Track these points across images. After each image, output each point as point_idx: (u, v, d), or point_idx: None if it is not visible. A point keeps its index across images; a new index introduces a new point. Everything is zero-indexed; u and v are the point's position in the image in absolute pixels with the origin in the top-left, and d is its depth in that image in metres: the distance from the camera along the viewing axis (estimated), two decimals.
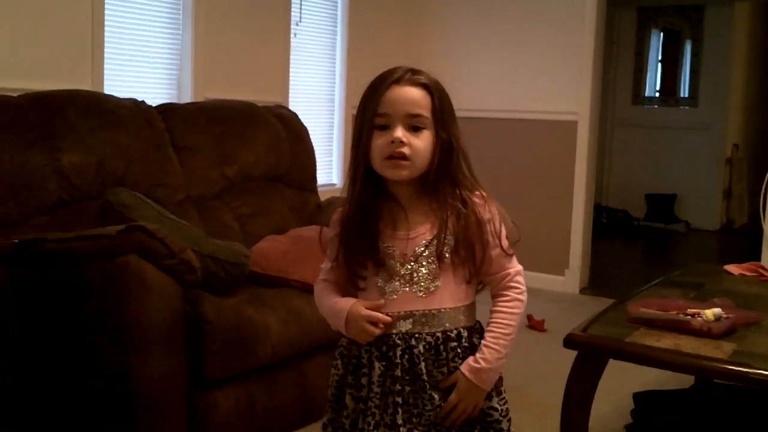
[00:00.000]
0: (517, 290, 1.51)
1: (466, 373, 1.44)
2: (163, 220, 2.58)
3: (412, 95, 1.42)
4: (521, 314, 1.52)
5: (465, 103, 5.13)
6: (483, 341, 1.47)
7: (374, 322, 1.44)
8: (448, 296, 1.46)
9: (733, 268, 2.88)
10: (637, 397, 2.58)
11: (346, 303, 1.47)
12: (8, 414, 2.56)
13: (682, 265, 5.70)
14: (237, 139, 3.56)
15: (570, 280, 5.01)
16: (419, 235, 1.45)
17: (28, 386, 2.56)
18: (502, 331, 1.47)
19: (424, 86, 1.43)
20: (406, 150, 1.40)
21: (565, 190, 5.00)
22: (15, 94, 2.86)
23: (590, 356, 1.96)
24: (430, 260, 1.44)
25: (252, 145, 3.61)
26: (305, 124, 3.95)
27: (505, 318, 1.48)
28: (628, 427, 2.50)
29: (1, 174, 2.66)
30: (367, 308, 1.44)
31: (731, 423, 2.37)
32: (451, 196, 1.45)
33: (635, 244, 7.41)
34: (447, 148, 1.45)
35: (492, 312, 1.51)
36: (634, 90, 8.46)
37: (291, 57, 4.58)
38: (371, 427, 1.43)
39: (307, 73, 4.77)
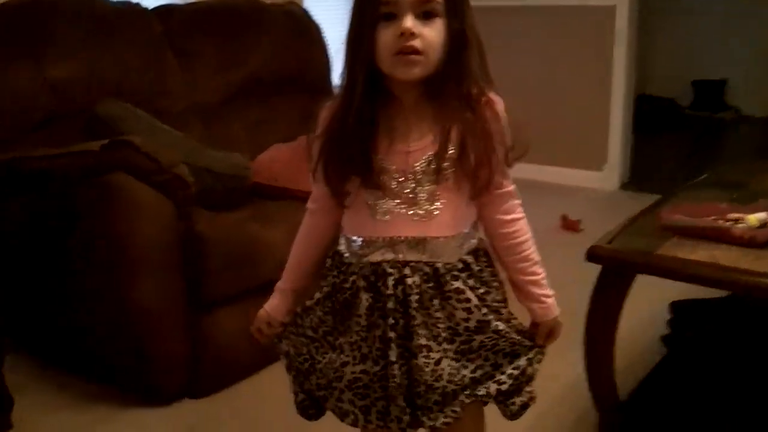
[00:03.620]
0: (520, 209, 1.33)
1: (545, 319, 1.34)
2: (155, 132, 2.41)
3: None
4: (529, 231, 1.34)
5: None
6: (525, 279, 1.34)
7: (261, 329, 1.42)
8: (449, 220, 1.26)
9: None
10: (675, 306, 2.38)
11: (274, 300, 1.42)
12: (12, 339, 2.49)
13: (731, 158, 5.43)
14: (242, 42, 3.33)
15: (609, 175, 4.75)
16: (419, 149, 1.23)
17: (28, 314, 2.47)
18: (534, 258, 1.34)
19: None
20: (417, 43, 1.16)
21: (603, 79, 4.68)
22: None
23: (615, 271, 1.76)
24: (430, 178, 1.23)
25: (259, 48, 3.38)
26: (319, 22, 3.68)
27: (528, 246, 1.34)
28: (665, 338, 2.32)
29: None
30: (273, 323, 1.40)
31: None
32: (458, 99, 1.22)
33: (681, 134, 7.04)
34: (460, 39, 1.21)
35: (507, 242, 1.32)
36: None
37: None
38: (356, 361, 1.27)
39: None
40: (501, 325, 1.28)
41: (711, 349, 2.15)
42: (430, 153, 1.22)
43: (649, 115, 7.22)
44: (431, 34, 1.18)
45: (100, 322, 2.27)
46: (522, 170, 4.78)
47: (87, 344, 2.36)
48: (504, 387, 1.30)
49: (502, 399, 1.32)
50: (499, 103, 1.26)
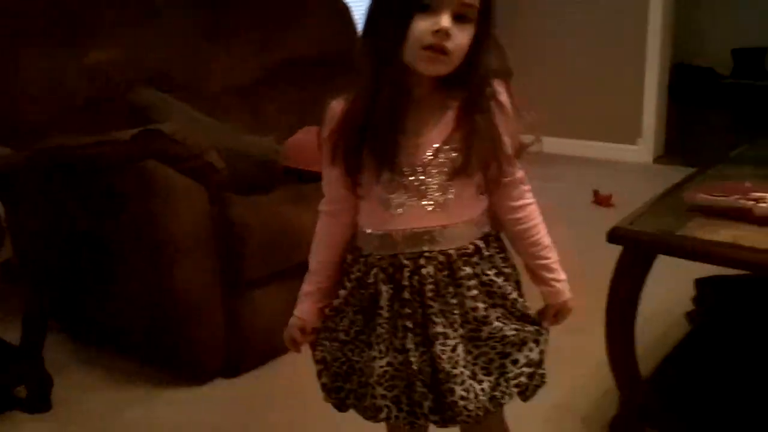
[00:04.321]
0: (529, 195, 1.36)
1: (554, 301, 1.38)
2: (187, 119, 2.47)
3: None
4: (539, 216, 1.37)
5: None
6: (537, 263, 1.37)
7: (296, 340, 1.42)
8: (460, 209, 1.28)
9: None
10: (700, 282, 2.39)
11: (304, 305, 1.41)
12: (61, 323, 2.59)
13: None
14: (280, 25, 3.38)
15: (643, 148, 4.73)
16: (429, 140, 1.25)
17: (71, 297, 2.57)
18: (544, 242, 1.37)
19: None
20: (449, 44, 1.18)
21: (637, 48, 4.62)
22: None
23: (637, 253, 1.78)
24: (440, 169, 1.25)
25: (297, 31, 3.44)
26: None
27: (538, 230, 1.36)
28: (689, 314, 2.33)
29: (30, 76, 2.59)
30: (307, 328, 1.40)
31: None
32: (473, 93, 1.25)
33: (719, 105, 6.93)
34: (483, 44, 1.23)
35: (517, 227, 1.35)
36: None
37: None
38: (382, 355, 1.30)
39: None
40: (499, 324, 1.31)
41: (734, 325, 2.16)
42: (436, 145, 1.24)
43: (688, 85, 7.12)
44: (462, 38, 1.19)
45: (139, 304, 2.35)
46: (555, 145, 4.84)
47: (127, 325, 2.45)
48: (522, 385, 1.34)
49: (521, 391, 1.36)
50: (503, 93, 1.27)
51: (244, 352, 2.40)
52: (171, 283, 2.23)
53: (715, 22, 7.61)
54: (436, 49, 1.18)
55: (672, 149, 4.85)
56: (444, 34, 1.17)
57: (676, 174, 2.43)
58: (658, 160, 4.73)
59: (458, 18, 1.18)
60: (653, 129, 4.71)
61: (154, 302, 2.30)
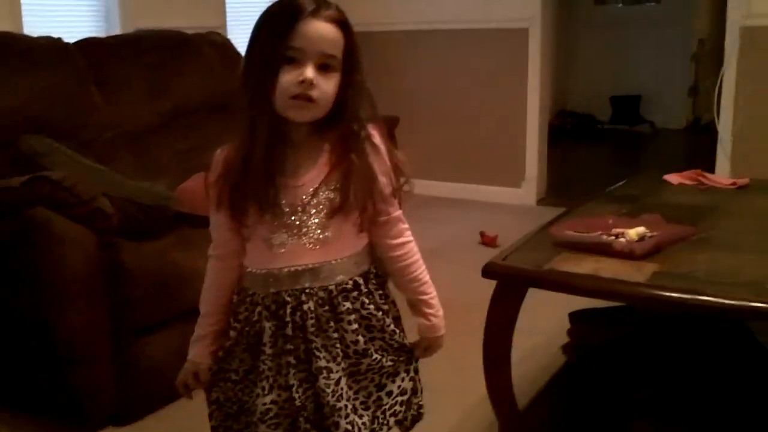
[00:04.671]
0: (408, 233, 1.45)
1: (428, 335, 1.46)
2: (76, 167, 2.48)
3: (329, 33, 1.29)
4: (418, 252, 1.46)
5: (418, 15, 5.01)
6: (416, 298, 1.46)
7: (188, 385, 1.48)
8: (340, 246, 1.37)
9: (672, 178, 2.81)
10: (573, 315, 2.54)
11: (197, 349, 1.47)
12: None
13: (646, 169, 5.67)
14: (167, 71, 3.42)
15: (527, 191, 4.96)
16: (307, 182, 1.34)
17: None
18: (422, 278, 1.46)
19: (340, 24, 1.30)
20: (314, 92, 1.28)
21: (519, 99, 4.89)
22: None
23: (509, 286, 1.91)
24: (318, 209, 1.34)
25: (184, 76, 3.48)
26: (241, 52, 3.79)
27: (417, 267, 1.45)
28: (565, 347, 2.48)
29: None
30: (201, 373, 1.46)
31: (671, 339, 2.34)
32: (342, 138, 1.34)
33: (600, 148, 7.34)
34: (350, 89, 1.33)
35: (397, 264, 1.44)
36: None
37: None
38: (266, 392, 1.35)
39: None
40: (378, 355, 1.39)
41: (607, 355, 2.31)
42: (315, 186, 1.33)
43: (571, 129, 7.51)
44: (327, 86, 1.29)
45: (26, 352, 2.32)
46: (444, 188, 5.06)
47: (13, 374, 2.41)
48: (399, 415, 1.43)
49: (398, 421, 1.44)
50: (376, 136, 1.37)
51: (135, 398, 2.39)
52: (58, 330, 2.22)
53: (596, 73, 8.06)
54: (303, 97, 1.27)
55: (554, 191, 5.11)
56: (309, 84, 1.27)
57: (556, 213, 2.59)
58: (541, 201, 4.96)
59: (322, 67, 1.29)
60: (535, 173, 4.95)
61: (42, 350, 2.28)
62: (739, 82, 4.15)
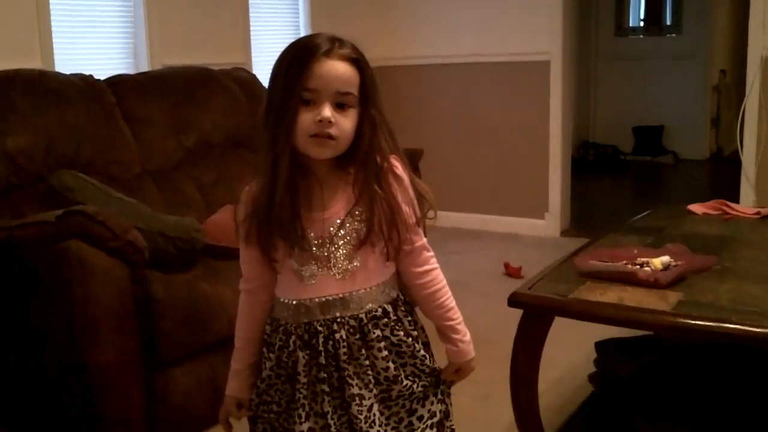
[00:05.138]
0: (433, 260, 1.48)
1: (457, 360, 1.50)
2: (108, 200, 2.53)
3: (343, 72, 1.33)
4: (443, 279, 1.49)
5: (440, 49, 5.08)
6: (443, 324, 1.49)
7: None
8: (367, 275, 1.40)
9: (696, 208, 2.83)
10: (600, 345, 2.55)
11: (235, 383, 1.52)
12: None
13: (669, 200, 5.67)
14: (192, 107, 3.49)
15: (550, 223, 4.97)
16: (333, 214, 1.39)
17: None
18: (449, 305, 1.48)
19: (354, 61, 1.35)
20: (333, 130, 1.32)
21: (542, 131, 4.92)
22: None
23: (535, 315, 1.93)
24: (346, 240, 1.38)
25: (209, 112, 3.54)
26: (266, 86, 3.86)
27: (442, 294, 1.48)
28: (592, 377, 2.48)
29: None
30: (239, 402, 1.51)
31: (696, 368, 2.34)
32: (367, 168, 1.38)
33: (622, 179, 7.34)
34: (369, 123, 1.38)
35: (423, 291, 1.47)
36: (616, 21, 8.30)
37: (250, 15, 4.47)
38: (302, 420, 1.39)
39: (269, 30, 4.66)
40: (408, 381, 1.42)
41: (633, 384, 2.31)
42: (341, 219, 1.38)
43: (594, 161, 7.52)
44: (345, 123, 1.34)
45: (57, 384, 2.36)
46: (468, 220, 5.08)
47: (44, 405, 2.44)
48: None
49: None
50: (398, 167, 1.42)
51: (165, 430, 2.42)
52: (90, 362, 2.25)
53: (618, 104, 8.09)
54: (322, 136, 1.32)
55: (577, 222, 5.12)
56: (326, 123, 1.31)
57: (580, 244, 2.60)
58: (564, 233, 4.97)
59: (339, 105, 1.33)
60: (559, 204, 4.96)
61: (73, 381, 2.31)
62: (761, 111, 4.16)
